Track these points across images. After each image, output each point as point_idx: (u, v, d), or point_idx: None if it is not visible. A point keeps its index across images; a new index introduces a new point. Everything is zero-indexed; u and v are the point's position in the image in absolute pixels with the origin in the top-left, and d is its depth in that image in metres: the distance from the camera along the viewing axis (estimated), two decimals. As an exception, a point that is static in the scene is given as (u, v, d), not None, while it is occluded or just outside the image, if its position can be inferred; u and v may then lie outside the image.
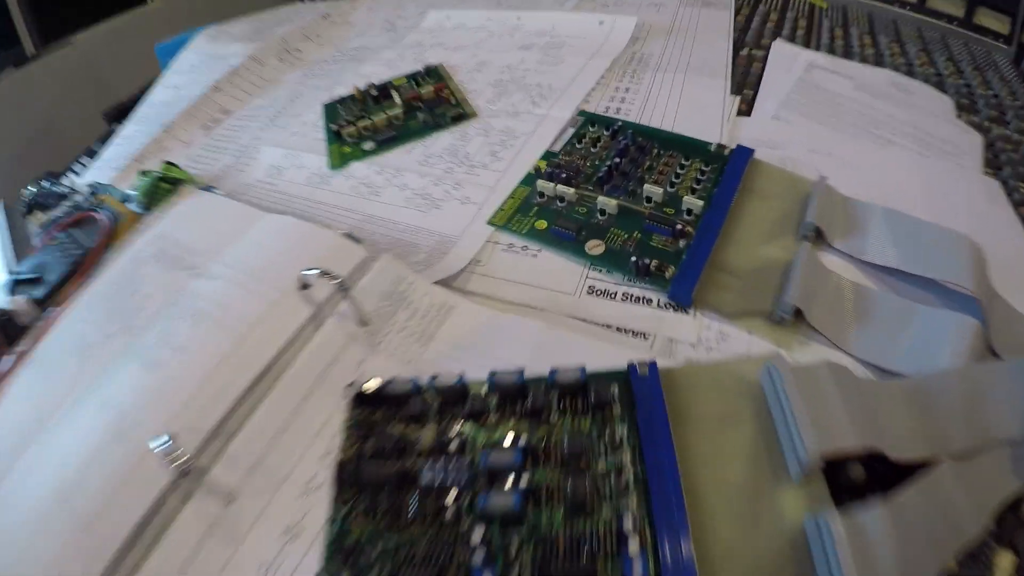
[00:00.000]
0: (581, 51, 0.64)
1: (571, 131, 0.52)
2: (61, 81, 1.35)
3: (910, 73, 0.62)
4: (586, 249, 0.41)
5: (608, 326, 0.37)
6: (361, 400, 0.30)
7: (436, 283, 0.39)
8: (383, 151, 0.53)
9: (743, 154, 0.46)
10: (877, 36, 0.71)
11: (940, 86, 0.60)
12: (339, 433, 0.30)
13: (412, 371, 0.34)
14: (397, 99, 0.57)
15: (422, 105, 0.56)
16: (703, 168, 0.45)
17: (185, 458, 0.30)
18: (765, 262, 0.39)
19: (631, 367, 0.30)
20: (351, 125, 0.54)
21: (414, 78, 0.60)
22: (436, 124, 0.55)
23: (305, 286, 0.37)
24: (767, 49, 0.64)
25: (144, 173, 0.53)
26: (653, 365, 0.29)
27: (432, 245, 0.43)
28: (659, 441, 0.27)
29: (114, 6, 1.51)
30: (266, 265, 0.39)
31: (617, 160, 0.46)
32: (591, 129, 0.52)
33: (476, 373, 0.31)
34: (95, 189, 0.60)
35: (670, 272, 0.38)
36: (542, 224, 0.43)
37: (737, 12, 0.71)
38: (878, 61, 0.65)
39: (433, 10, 0.77)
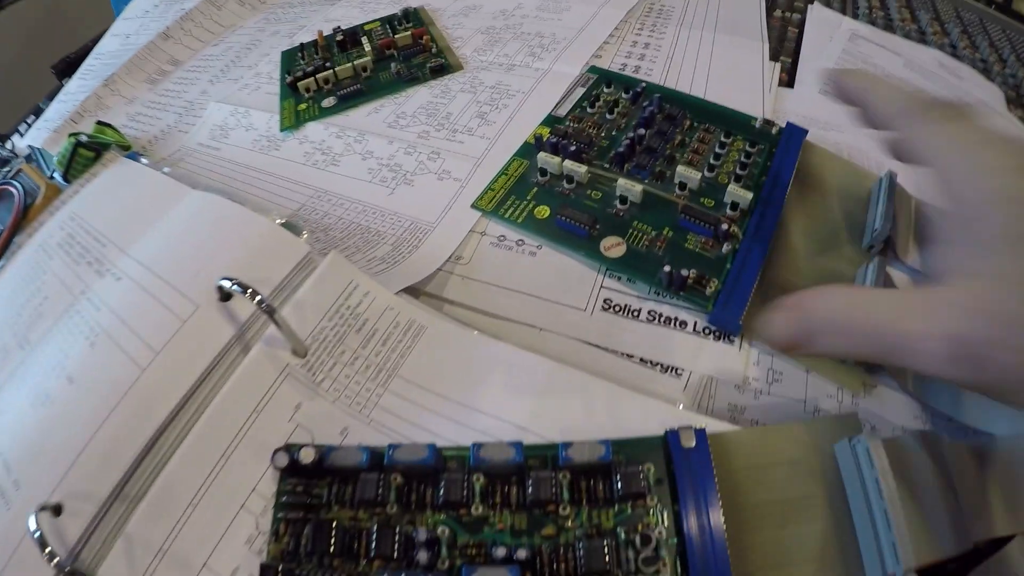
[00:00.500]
0: (590, -3, 0.54)
1: (580, 91, 0.42)
2: (25, 31, 1.26)
3: (955, 56, 0.55)
4: (602, 249, 0.31)
5: (630, 356, 0.28)
6: (296, 470, 0.22)
7: (403, 291, 0.30)
8: (345, 109, 0.43)
9: (796, 135, 0.37)
10: (916, 11, 0.63)
11: (986, 73, 0.54)
12: (268, 510, 0.22)
13: (364, 423, 0.25)
14: (367, 46, 0.47)
15: (396, 54, 0.47)
16: (747, 149, 0.36)
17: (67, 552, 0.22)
18: (826, 278, 0.30)
19: (671, 436, 0.22)
20: (308, 77, 0.44)
21: (389, 22, 0.50)
22: (412, 77, 0.45)
23: (227, 296, 0.27)
24: (803, 12, 0.55)
25: (73, 135, 0.44)
26: (702, 434, 0.22)
27: (399, 234, 0.34)
28: (711, 548, 0.19)
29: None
30: (181, 264, 0.30)
31: (641, 132, 0.37)
32: (606, 90, 0.42)
33: (454, 433, 0.23)
34: (31, 154, 0.52)
35: (712, 287, 0.30)
36: (544, 211, 0.34)
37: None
38: (921, 39, 0.57)
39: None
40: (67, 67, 0.72)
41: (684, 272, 0.29)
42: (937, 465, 0.21)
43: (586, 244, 0.32)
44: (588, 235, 0.32)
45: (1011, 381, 0.18)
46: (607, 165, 0.36)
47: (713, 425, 0.24)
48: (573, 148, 0.36)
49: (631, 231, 0.32)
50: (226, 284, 0.26)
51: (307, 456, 0.22)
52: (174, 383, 0.26)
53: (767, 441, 0.23)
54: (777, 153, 0.36)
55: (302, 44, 0.50)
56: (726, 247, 0.31)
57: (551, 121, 0.40)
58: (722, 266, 0.30)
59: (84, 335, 0.30)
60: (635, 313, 0.30)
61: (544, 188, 0.35)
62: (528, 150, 0.38)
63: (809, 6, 0.55)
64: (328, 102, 0.44)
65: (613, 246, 0.32)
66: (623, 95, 0.41)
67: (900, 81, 0.26)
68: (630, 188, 0.33)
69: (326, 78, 0.45)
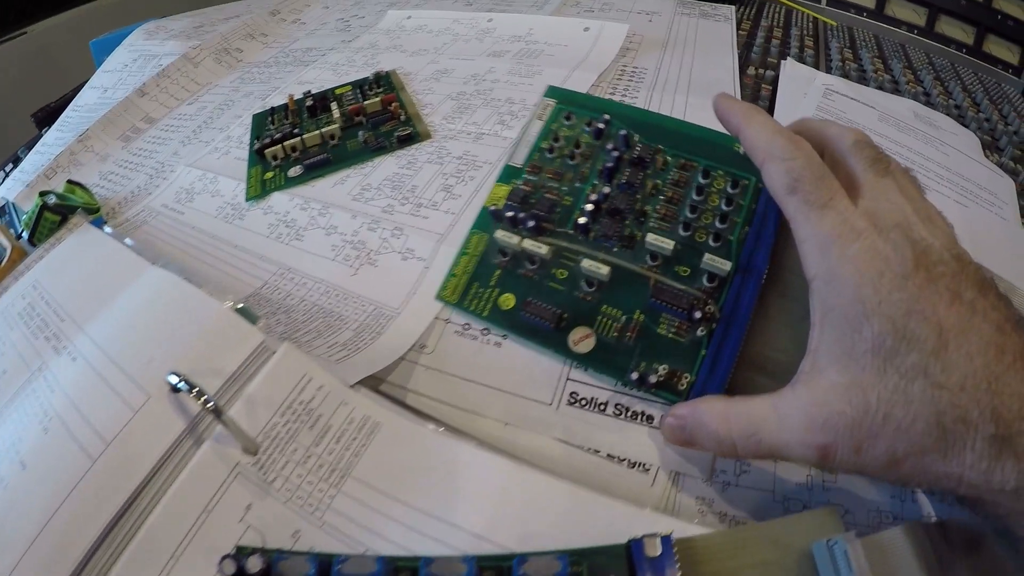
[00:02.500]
0: (562, 61, 0.54)
1: (538, 126, 0.39)
2: (10, 74, 1.26)
3: (929, 104, 0.56)
4: (570, 343, 0.31)
5: (596, 451, 0.28)
6: None
7: (365, 380, 0.29)
8: (311, 179, 0.43)
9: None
10: (888, 61, 0.64)
11: (961, 119, 0.54)
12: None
13: (316, 527, 0.25)
14: (336, 112, 0.48)
15: (365, 121, 0.47)
16: (729, 191, 0.33)
17: None
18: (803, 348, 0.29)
19: (634, 546, 0.21)
20: (276, 144, 0.45)
21: (360, 87, 0.51)
22: (379, 146, 0.45)
23: (177, 389, 0.27)
24: (776, 69, 0.55)
25: (43, 195, 0.44)
26: (667, 542, 0.21)
27: (362, 320, 0.34)
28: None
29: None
30: (135, 349, 0.30)
31: (606, 191, 0.34)
32: (566, 124, 0.38)
33: (409, 540, 0.23)
34: (4, 207, 0.52)
35: (685, 382, 0.29)
36: (508, 301, 0.32)
37: (737, 26, 0.62)
38: (895, 89, 0.58)
39: (394, 9, 0.68)
40: (47, 116, 0.72)
41: (653, 371, 0.29)
42: (922, 561, 0.21)
43: (554, 338, 0.31)
44: (554, 328, 0.31)
45: (880, 475, 0.21)
46: (571, 232, 0.34)
47: (681, 528, 0.23)
48: (532, 224, 0.33)
49: (600, 319, 0.31)
50: (173, 380, 0.25)
51: (254, 566, 0.21)
52: (124, 477, 0.26)
53: (739, 543, 0.23)
54: (763, 192, 0.33)
55: (272, 108, 0.50)
56: (700, 331, 0.30)
57: (509, 175, 0.37)
58: (696, 353, 0.29)
59: (38, 419, 0.29)
60: (602, 407, 0.29)
61: (507, 271, 0.33)
62: (486, 220, 0.35)
63: (782, 62, 0.56)
64: (294, 171, 0.44)
65: (582, 339, 0.31)
66: (584, 130, 0.38)
67: (773, 123, 0.27)
68: (596, 270, 0.31)
69: (294, 146, 0.45)
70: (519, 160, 0.38)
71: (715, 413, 0.25)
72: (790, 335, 0.29)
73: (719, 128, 0.31)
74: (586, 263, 0.31)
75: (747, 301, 0.30)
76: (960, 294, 0.21)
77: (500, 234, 0.34)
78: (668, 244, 0.31)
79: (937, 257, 0.22)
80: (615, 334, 0.30)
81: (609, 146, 0.36)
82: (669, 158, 0.35)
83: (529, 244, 0.33)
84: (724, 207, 0.33)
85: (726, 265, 0.30)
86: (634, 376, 0.29)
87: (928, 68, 0.64)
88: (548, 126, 0.38)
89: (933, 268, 0.22)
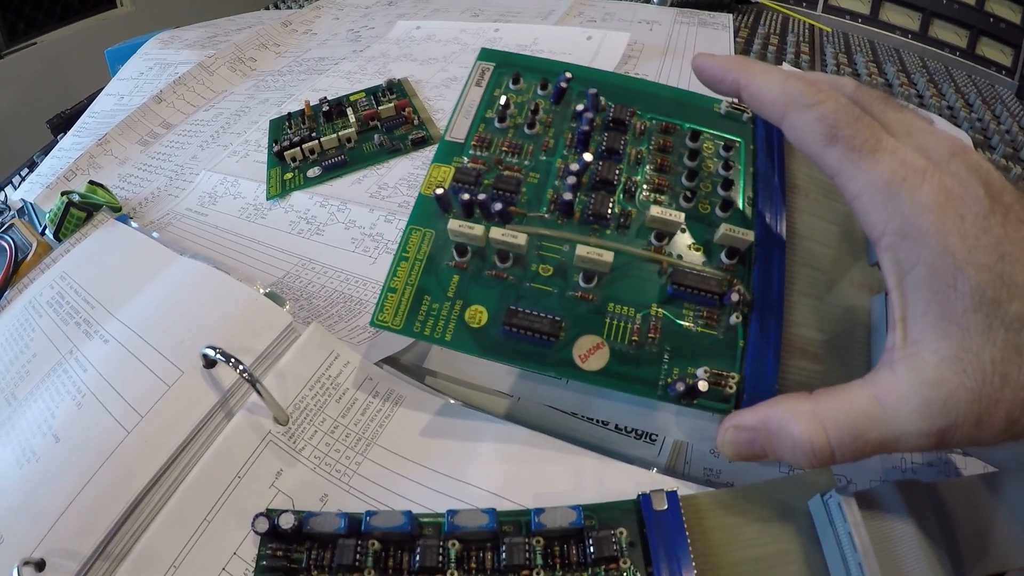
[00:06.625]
0: (565, 68, 0.56)
1: (477, 94, 0.31)
2: (23, 82, 1.28)
3: (923, 105, 0.58)
4: (576, 359, 0.24)
5: (604, 424, 0.29)
6: (275, 535, 0.23)
7: (384, 360, 0.31)
8: (330, 179, 0.46)
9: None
10: (883, 65, 0.67)
11: (954, 120, 0.56)
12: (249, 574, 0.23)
13: (343, 491, 0.26)
14: (352, 117, 0.50)
15: (379, 125, 0.49)
16: (723, 154, 0.29)
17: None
18: (845, 320, 0.26)
19: (643, 500, 0.22)
20: (295, 146, 0.47)
21: (373, 93, 0.53)
22: (393, 149, 0.47)
23: (211, 363, 0.29)
24: None
25: (65, 194, 0.46)
26: (673, 496, 0.22)
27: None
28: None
29: (83, 8, 1.45)
30: (167, 330, 0.32)
31: (587, 157, 0.27)
32: (513, 88, 0.31)
33: (431, 501, 0.24)
34: (24, 208, 0.54)
35: (733, 384, 0.24)
36: (479, 316, 0.25)
37: (735, 34, 0.64)
38: (889, 92, 0.59)
39: (403, 20, 0.70)
40: (62, 123, 0.74)
41: (693, 376, 0.24)
42: (915, 514, 0.21)
43: (552, 356, 0.25)
44: (551, 345, 0.25)
45: (996, 441, 0.19)
46: (549, 215, 0.27)
47: (686, 488, 0.25)
48: (500, 207, 0.26)
49: (608, 321, 0.25)
50: (210, 352, 0.27)
51: (287, 522, 0.22)
52: (158, 447, 0.27)
53: (740, 501, 0.23)
54: (759, 153, 0.29)
55: (289, 113, 0.52)
56: (735, 318, 0.25)
57: (448, 152, 0.29)
58: (734, 346, 0.25)
59: (71, 395, 0.31)
60: None
61: (468, 275, 0.26)
62: (428, 211, 0.28)
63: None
64: (313, 172, 0.46)
65: (591, 353, 0.24)
66: (539, 94, 0.31)
67: (778, 69, 0.24)
68: (596, 259, 0.24)
69: (312, 148, 0.47)
70: (460, 134, 0.30)
71: (800, 418, 0.20)
72: (823, 310, 0.26)
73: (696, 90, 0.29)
74: (582, 250, 0.25)
75: (777, 276, 0.26)
76: None
77: (454, 225, 0.26)
78: (678, 218, 0.26)
79: (1000, 186, 0.19)
80: (633, 338, 0.25)
81: (580, 107, 0.29)
82: (648, 121, 0.30)
83: (499, 234, 0.25)
84: (723, 171, 0.28)
85: (749, 235, 0.25)
86: (679, 388, 0.24)
87: (922, 71, 0.66)
88: (490, 92, 0.31)
89: (1002, 199, 0.19)
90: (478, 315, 0.25)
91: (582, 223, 0.27)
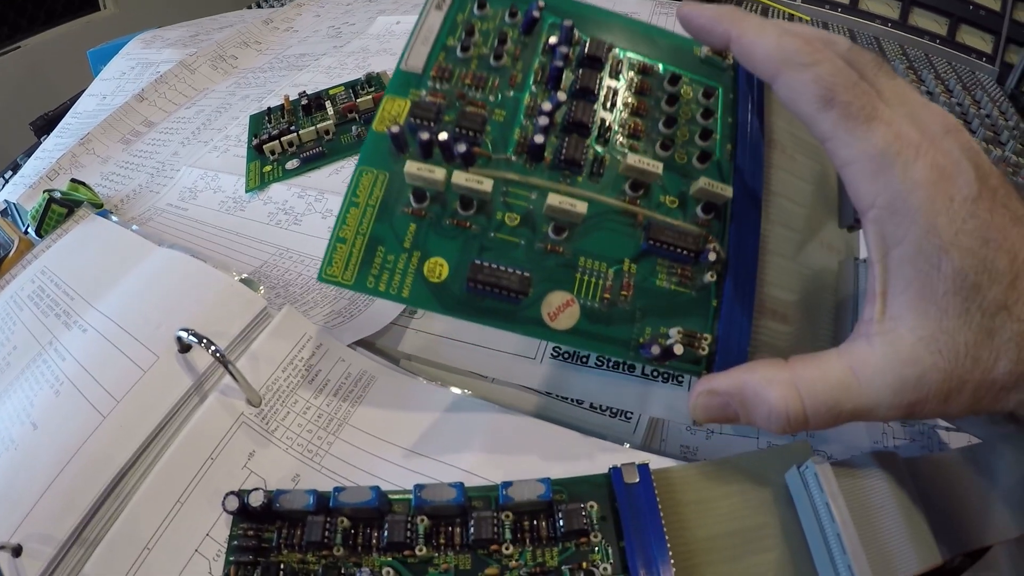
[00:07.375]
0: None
1: (438, 18, 0.27)
2: (6, 86, 1.28)
3: None
4: (545, 318, 0.23)
5: (579, 402, 0.30)
6: (247, 514, 0.23)
7: (358, 344, 0.31)
8: (308, 170, 0.46)
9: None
10: None
11: None
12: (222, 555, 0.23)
13: (315, 470, 0.27)
14: (330, 110, 0.50)
15: (358, 117, 0.49)
16: (702, 100, 0.27)
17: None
18: (813, 282, 0.26)
19: (614, 473, 0.22)
20: (274, 140, 0.47)
21: (352, 87, 0.53)
22: (372, 140, 0.47)
23: (186, 348, 0.29)
24: None
25: (47, 192, 0.46)
26: (644, 469, 0.22)
27: (355, 289, 0.36)
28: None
29: (66, 11, 1.45)
30: (144, 317, 0.32)
31: (561, 96, 0.25)
32: (476, 14, 0.27)
33: (402, 479, 0.24)
34: (6, 208, 0.54)
35: (705, 345, 0.23)
36: (439, 269, 0.23)
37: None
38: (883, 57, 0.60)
39: (383, 16, 0.70)
40: (45, 124, 0.74)
41: (666, 336, 0.23)
42: (894, 484, 0.21)
43: (520, 314, 0.23)
44: (519, 301, 0.23)
45: (961, 415, 0.20)
46: (515, 158, 0.24)
47: (659, 462, 0.24)
48: (463, 147, 0.23)
49: (579, 277, 0.24)
50: (184, 335, 0.27)
51: (256, 500, 0.22)
52: (134, 430, 0.27)
53: (715, 474, 0.23)
54: (739, 103, 0.27)
55: (269, 108, 0.52)
56: (709, 276, 0.24)
57: (404, 83, 0.26)
58: (706, 305, 0.24)
59: (50, 384, 0.31)
60: (583, 358, 0.31)
61: (427, 223, 0.24)
62: (381, 150, 0.24)
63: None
64: (291, 164, 0.46)
65: (560, 310, 0.23)
66: (506, 21, 0.27)
67: (772, 22, 0.22)
68: (569, 209, 0.23)
69: (290, 141, 0.47)
70: (417, 63, 0.26)
71: (777, 385, 0.20)
72: (794, 270, 0.25)
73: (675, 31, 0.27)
74: (553, 199, 0.23)
75: (751, 234, 0.24)
76: (1016, 212, 0.19)
77: (412, 168, 0.23)
78: (656, 168, 0.24)
79: (988, 169, 0.19)
80: (605, 296, 0.24)
81: (552, 40, 0.26)
82: (629, 57, 0.27)
83: (463, 179, 0.23)
84: (701, 120, 0.26)
85: (727, 191, 0.24)
86: (655, 351, 0.23)
87: (902, 59, 0.66)
88: (452, 16, 0.27)
89: (988, 182, 0.19)
90: (438, 268, 0.23)
91: (553, 168, 0.25)
